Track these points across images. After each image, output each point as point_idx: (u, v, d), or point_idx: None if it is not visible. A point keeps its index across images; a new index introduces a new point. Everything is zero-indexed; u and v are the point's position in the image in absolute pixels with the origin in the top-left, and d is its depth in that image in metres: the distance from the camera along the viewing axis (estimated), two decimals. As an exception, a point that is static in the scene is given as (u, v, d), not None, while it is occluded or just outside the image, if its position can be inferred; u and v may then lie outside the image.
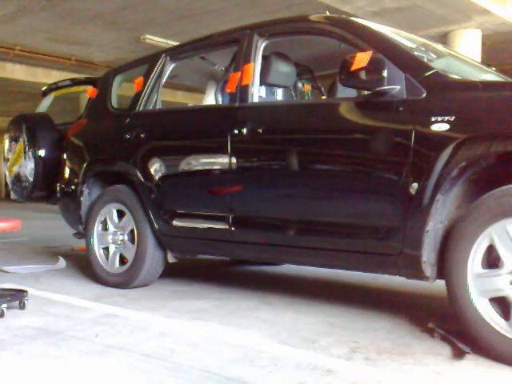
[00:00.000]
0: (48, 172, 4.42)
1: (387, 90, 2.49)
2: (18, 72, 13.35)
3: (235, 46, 3.38)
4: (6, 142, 4.78)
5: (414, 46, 2.97)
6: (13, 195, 4.88)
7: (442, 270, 2.39)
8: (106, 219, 3.82)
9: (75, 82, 5.01)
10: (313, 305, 3.19)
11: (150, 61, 3.97)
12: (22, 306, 3.05)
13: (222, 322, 2.81)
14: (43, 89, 5.33)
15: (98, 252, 3.84)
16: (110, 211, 3.80)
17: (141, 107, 3.83)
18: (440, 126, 2.33)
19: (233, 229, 3.14)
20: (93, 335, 2.56)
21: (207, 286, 3.77)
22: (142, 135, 3.65)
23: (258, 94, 3.24)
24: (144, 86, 3.84)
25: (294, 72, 3.60)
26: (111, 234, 3.78)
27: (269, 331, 2.63)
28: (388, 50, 2.63)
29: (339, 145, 2.79)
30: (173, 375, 2.05)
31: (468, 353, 2.24)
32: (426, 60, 2.76)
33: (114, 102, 4.20)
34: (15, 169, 4.61)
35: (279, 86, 3.78)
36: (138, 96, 3.86)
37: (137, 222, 3.62)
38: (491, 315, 2.20)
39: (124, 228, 3.72)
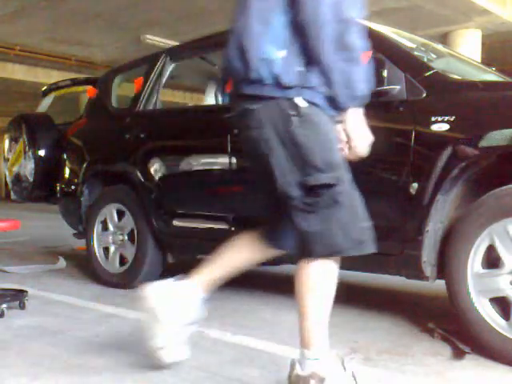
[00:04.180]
0: (48, 172, 4.42)
1: (387, 89, 2.49)
2: (18, 72, 13.34)
3: (235, 46, 3.37)
4: (6, 142, 4.78)
5: (414, 45, 2.97)
6: (13, 195, 4.89)
7: (442, 270, 2.39)
8: (106, 219, 3.82)
9: (75, 82, 5.01)
10: (313, 305, 3.18)
11: (150, 61, 3.96)
12: (21, 306, 3.05)
13: (222, 322, 2.81)
14: (43, 89, 5.33)
15: (98, 252, 3.84)
16: (110, 211, 3.80)
17: (141, 107, 3.82)
18: (440, 126, 2.33)
19: (233, 229, 3.14)
20: (93, 335, 2.56)
21: (207, 286, 3.77)
22: (142, 135, 3.65)
23: (257, 94, 3.24)
24: (144, 86, 3.84)
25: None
26: (111, 234, 3.78)
27: (269, 331, 2.63)
28: (388, 50, 2.63)
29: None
30: (173, 375, 2.05)
31: (468, 353, 2.24)
32: (425, 60, 2.76)
33: (114, 102, 4.20)
34: (15, 169, 4.61)
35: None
36: (138, 96, 3.86)
37: (137, 221, 3.62)
38: (491, 315, 2.20)
39: (124, 228, 3.72)
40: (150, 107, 3.81)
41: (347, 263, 2.86)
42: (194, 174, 3.42)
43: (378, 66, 2.47)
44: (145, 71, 3.92)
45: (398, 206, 2.47)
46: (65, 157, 4.31)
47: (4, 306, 2.90)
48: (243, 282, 3.94)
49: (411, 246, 2.42)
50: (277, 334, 2.59)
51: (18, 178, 4.58)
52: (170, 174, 3.55)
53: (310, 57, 1.63)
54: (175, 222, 3.46)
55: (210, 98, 4.17)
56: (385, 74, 2.46)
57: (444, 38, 8.99)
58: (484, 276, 2.23)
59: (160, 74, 3.81)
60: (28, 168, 4.44)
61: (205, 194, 3.34)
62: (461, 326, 2.32)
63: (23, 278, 4.02)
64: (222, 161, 3.17)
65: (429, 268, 2.42)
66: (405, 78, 2.51)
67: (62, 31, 10.64)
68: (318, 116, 1.66)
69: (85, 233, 4.00)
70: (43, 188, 4.48)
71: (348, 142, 1.72)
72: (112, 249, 3.77)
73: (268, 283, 3.99)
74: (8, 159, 4.72)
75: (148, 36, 10.71)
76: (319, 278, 1.70)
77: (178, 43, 6.84)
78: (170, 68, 3.84)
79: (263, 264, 4.83)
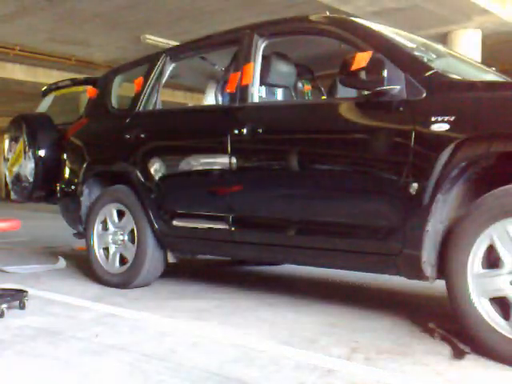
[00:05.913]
0: (48, 172, 4.42)
1: (387, 89, 2.49)
2: (18, 72, 13.35)
3: (235, 46, 3.38)
4: (6, 142, 4.78)
5: (414, 45, 2.98)
6: (13, 195, 4.89)
7: (442, 270, 2.39)
8: (106, 219, 3.82)
9: (75, 82, 5.01)
10: (313, 305, 3.19)
11: (150, 61, 3.97)
12: (21, 306, 3.05)
13: (221, 321, 2.81)
14: (43, 89, 5.33)
15: (98, 252, 3.84)
16: (110, 211, 3.80)
17: (141, 107, 3.82)
18: (440, 126, 2.33)
19: (233, 229, 3.14)
20: (93, 335, 2.56)
21: (207, 286, 3.77)
22: (142, 135, 3.65)
23: (258, 94, 3.24)
24: (144, 86, 3.84)
25: (294, 72, 3.59)
26: (111, 234, 3.78)
27: (269, 331, 2.63)
28: (388, 50, 2.63)
29: (339, 145, 2.79)
30: (173, 375, 2.05)
31: (468, 353, 2.24)
32: (425, 60, 2.76)
33: (114, 102, 4.20)
34: (15, 169, 4.61)
35: (279, 86, 3.78)
36: (137, 96, 3.86)
37: (137, 221, 3.62)
38: (491, 315, 2.20)
39: (124, 228, 3.72)
40: (150, 107, 3.81)
41: (347, 263, 2.88)
42: (194, 174, 3.43)
43: (378, 66, 2.47)
44: (145, 71, 3.92)
45: (398, 206, 2.47)
46: (65, 157, 4.30)
47: (4, 305, 2.90)
48: (243, 282, 3.95)
49: (411, 245, 2.42)
50: (277, 333, 2.59)
51: (18, 178, 4.58)
52: (170, 174, 3.54)
53: None
54: (175, 222, 3.46)
55: (210, 98, 4.16)
56: (385, 74, 2.46)
57: (444, 38, 8.98)
58: (484, 276, 2.23)
59: (160, 74, 3.81)
60: (28, 168, 4.44)
61: (205, 194, 3.34)
62: (461, 326, 2.32)
63: (23, 278, 4.02)
64: (221, 161, 3.17)
65: (429, 268, 2.42)
66: (405, 77, 2.50)
67: (62, 31, 10.64)
68: None
69: (85, 233, 4.00)
70: (43, 188, 4.48)
71: None
72: (112, 249, 3.77)
73: (268, 283, 3.99)
74: (8, 159, 4.72)
75: (148, 36, 10.72)
76: None
77: (178, 43, 6.84)
78: (169, 68, 3.84)
79: (263, 264, 4.85)
